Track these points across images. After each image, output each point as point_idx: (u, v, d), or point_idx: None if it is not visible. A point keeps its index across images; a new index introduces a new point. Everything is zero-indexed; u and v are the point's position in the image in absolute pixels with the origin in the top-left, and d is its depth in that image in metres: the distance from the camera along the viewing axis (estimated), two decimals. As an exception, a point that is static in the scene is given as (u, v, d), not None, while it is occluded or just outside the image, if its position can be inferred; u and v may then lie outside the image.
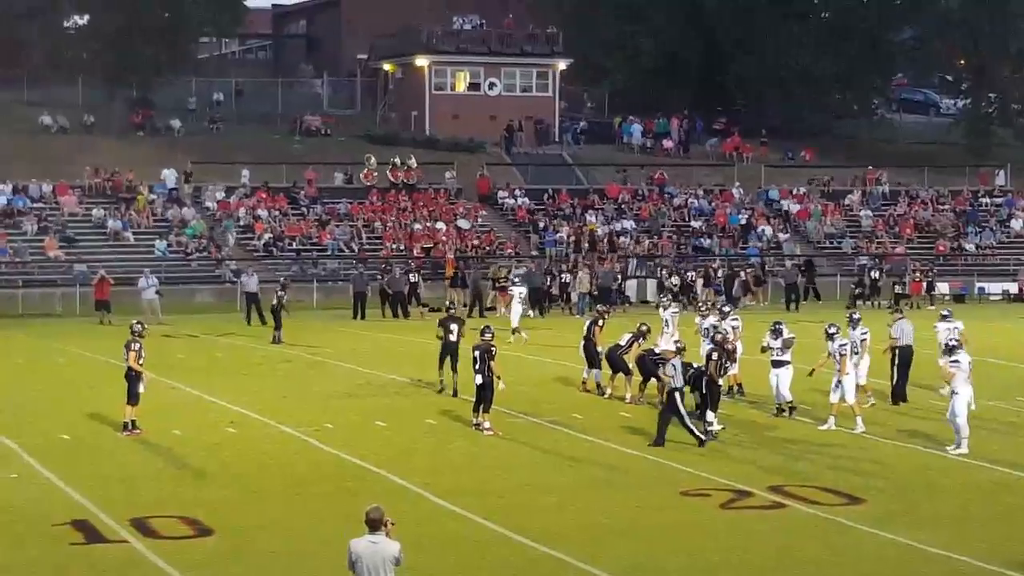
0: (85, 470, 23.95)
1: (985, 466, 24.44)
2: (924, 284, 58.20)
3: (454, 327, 31.84)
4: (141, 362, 27.09)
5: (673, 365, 26.51)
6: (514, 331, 43.39)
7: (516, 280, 48.68)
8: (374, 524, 13.54)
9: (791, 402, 29.02)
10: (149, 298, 50.30)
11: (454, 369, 31.68)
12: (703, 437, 26.04)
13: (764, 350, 29.29)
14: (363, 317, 51.53)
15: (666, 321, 34.12)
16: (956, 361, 25.64)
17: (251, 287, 49.53)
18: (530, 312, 47.84)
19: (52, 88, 74.11)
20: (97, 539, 19.48)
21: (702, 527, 20.21)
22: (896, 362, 31.37)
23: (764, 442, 26.78)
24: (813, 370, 29.15)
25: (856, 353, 29.37)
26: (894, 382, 31.34)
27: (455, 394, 31.56)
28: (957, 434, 25.54)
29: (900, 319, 31.86)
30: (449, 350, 31.80)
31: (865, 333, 30.13)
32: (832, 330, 28.27)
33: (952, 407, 25.53)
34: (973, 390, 25.84)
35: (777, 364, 28.96)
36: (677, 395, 26.11)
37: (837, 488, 22.50)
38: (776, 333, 29.05)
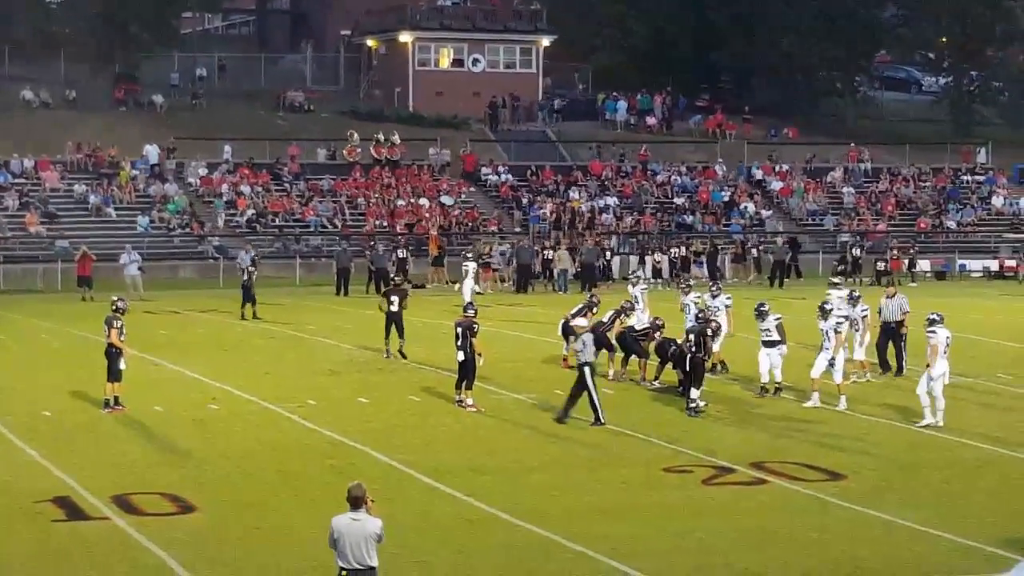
0: (67, 447, 23.89)
1: (968, 443, 24.49)
2: (905, 261, 58.34)
3: (395, 298, 33.98)
4: (122, 339, 27.01)
5: (583, 340, 26.36)
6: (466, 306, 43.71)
7: (469, 256, 49.02)
8: (356, 501, 13.53)
9: (779, 383, 28.81)
10: (132, 274, 50.19)
11: (400, 335, 33.75)
12: (603, 420, 25.69)
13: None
14: (346, 293, 51.53)
15: (636, 297, 34.05)
16: (932, 332, 25.70)
17: (247, 263, 49.00)
18: (477, 288, 47.79)
19: (34, 63, 73.77)
20: (79, 516, 19.43)
21: (686, 504, 20.21)
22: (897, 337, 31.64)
23: (746, 419, 26.79)
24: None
25: (857, 331, 29.84)
26: (901, 358, 31.62)
27: (387, 354, 33.78)
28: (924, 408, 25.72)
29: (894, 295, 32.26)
30: (391, 319, 33.75)
31: (866, 310, 30.46)
32: (828, 306, 28.23)
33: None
34: (949, 365, 25.86)
35: (769, 344, 28.82)
36: (587, 369, 25.91)
37: (820, 465, 22.51)
38: (762, 315, 28.90)
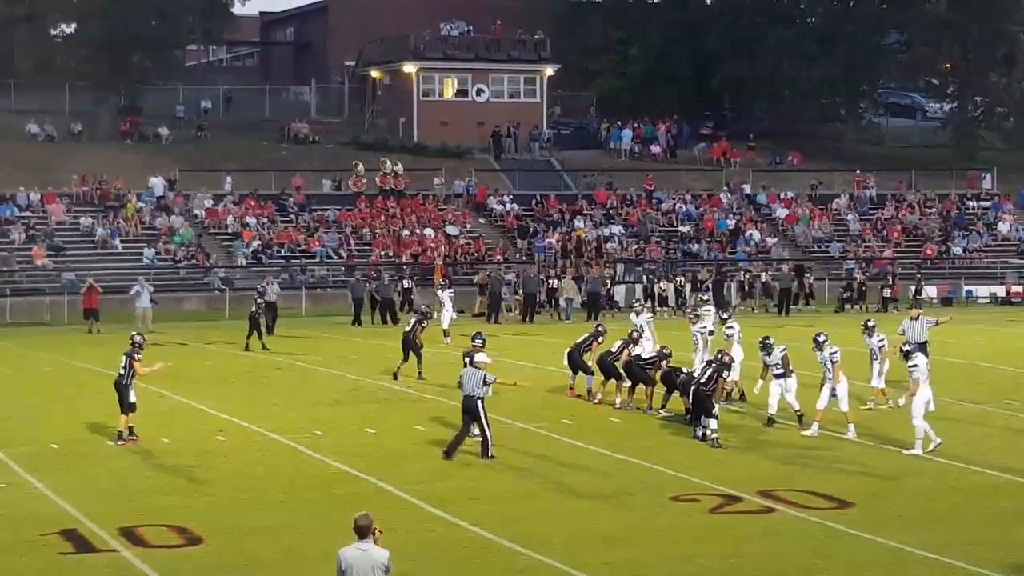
0: (74, 479, 23.89)
1: (976, 469, 24.44)
2: (912, 287, 58.24)
3: (411, 320, 36.97)
4: (144, 371, 27.20)
5: (462, 374, 26.02)
6: (445, 333, 43.82)
7: (444, 283, 49.12)
8: (362, 531, 13.49)
9: (799, 411, 28.43)
10: (143, 306, 49.86)
11: (404, 360, 35.83)
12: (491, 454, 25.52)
13: (766, 368, 28.97)
14: (355, 323, 51.59)
15: (640, 326, 33.96)
16: (915, 365, 25.80)
17: (271, 296, 48.72)
18: (454, 315, 47.50)
19: (39, 96, 73.93)
20: (86, 548, 19.41)
21: (692, 532, 20.17)
22: None
23: (753, 447, 26.76)
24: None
25: (875, 359, 29.85)
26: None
27: (395, 377, 35.46)
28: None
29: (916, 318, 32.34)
30: (401, 340, 36.21)
31: (882, 339, 30.36)
32: (822, 338, 28.13)
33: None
34: (931, 391, 25.97)
35: (780, 376, 28.61)
36: (479, 403, 25.54)
37: (827, 492, 22.47)
38: (767, 349, 28.77)
